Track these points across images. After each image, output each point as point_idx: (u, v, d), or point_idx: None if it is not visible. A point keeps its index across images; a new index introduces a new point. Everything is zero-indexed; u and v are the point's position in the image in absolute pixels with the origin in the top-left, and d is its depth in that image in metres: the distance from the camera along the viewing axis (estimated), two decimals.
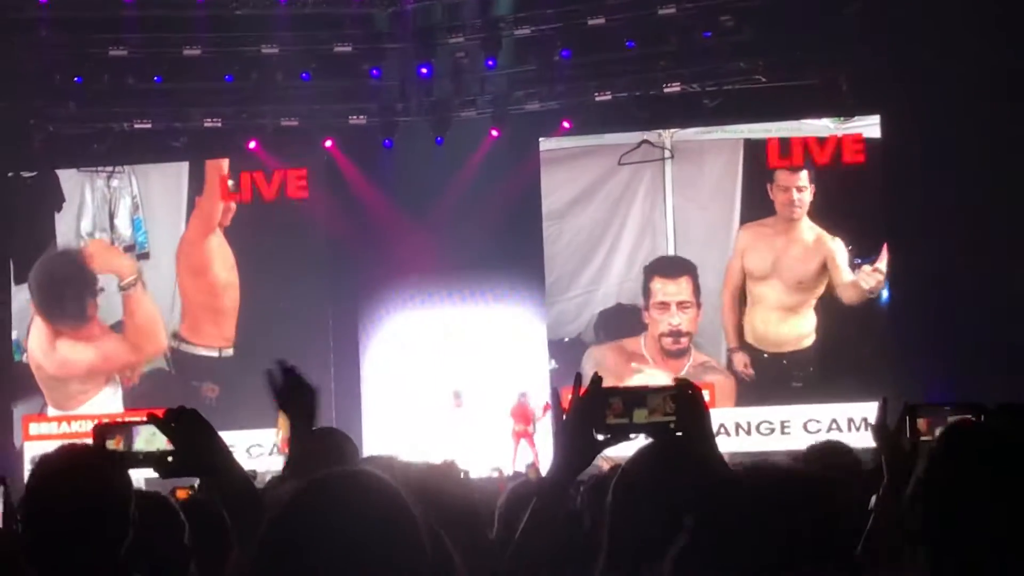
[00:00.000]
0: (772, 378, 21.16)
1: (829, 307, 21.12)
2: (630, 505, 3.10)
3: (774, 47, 20.57)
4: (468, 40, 21.69)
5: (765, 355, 21.30)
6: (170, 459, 3.22)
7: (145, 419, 3.27)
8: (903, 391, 13.59)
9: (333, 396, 21.83)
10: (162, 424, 3.23)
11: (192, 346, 22.57)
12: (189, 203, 22.84)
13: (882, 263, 20.93)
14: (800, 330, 21.24)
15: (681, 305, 21.80)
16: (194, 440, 3.23)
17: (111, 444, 3.28)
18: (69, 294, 22.61)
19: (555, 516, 3.16)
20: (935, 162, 19.72)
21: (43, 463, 3.74)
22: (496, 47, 21.60)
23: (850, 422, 20.33)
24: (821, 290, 21.18)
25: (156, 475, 3.28)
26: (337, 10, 21.85)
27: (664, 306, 21.83)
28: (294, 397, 3.47)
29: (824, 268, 21.13)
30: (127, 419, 3.40)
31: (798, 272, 21.21)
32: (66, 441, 3.64)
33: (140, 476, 3.58)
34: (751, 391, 21.16)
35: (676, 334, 21.76)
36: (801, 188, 21.29)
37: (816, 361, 21.08)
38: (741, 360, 21.33)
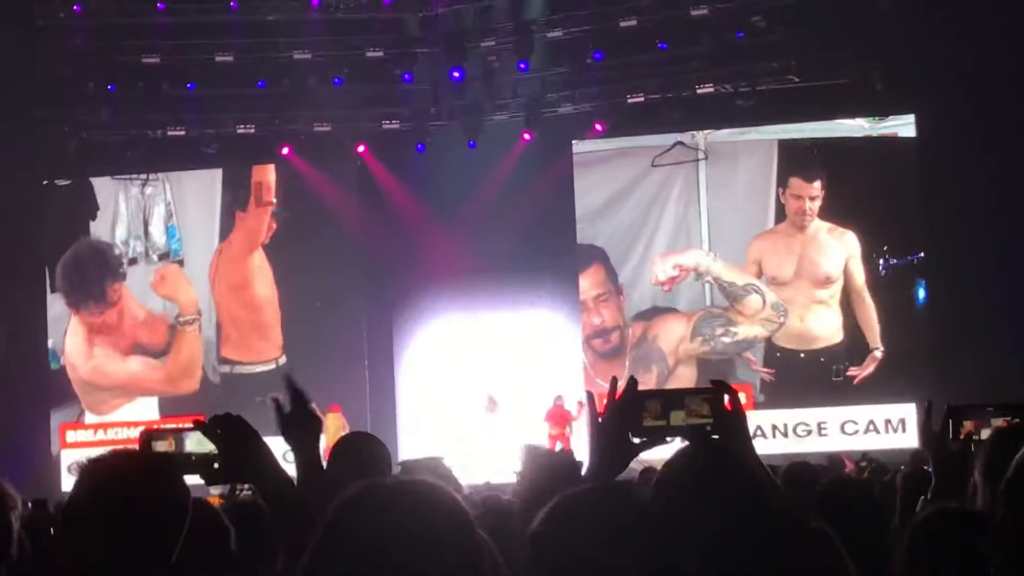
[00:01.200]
0: (812, 377, 20.98)
1: (850, 302, 21.05)
2: (670, 515, 3.04)
3: (807, 47, 20.47)
4: (500, 44, 21.67)
5: (801, 355, 21.15)
6: (216, 465, 3.22)
7: (191, 425, 3.27)
8: (941, 392, 13.50)
9: (368, 400, 21.90)
10: (208, 430, 3.23)
11: (245, 365, 22.60)
12: (223, 209, 22.90)
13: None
14: (833, 324, 21.12)
15: (598, 299, 21.85)
16: (240, 446, 3.22)
17: (160, 449, 3.28)
18: (92, 276, 22.70)
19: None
20: (970, 161, 19.59)
21: (95, 468, 3.68)
22: (528, 50, 21.57)
23: (887, 423, 20.21)
24: (842, 283, 21.11)
25: (201, 481, 3.28)
26: (369, 15, 21.86)
27: (584, 307, 21.95)
28: (295, 431, 3.40)
29: (848, 261, 21.06)
30: (174, 426, 3.39)
31: (822, 270, 21.13)
32: (108, 448, 3.59)
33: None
34: (785, 391, 21.01)
35: (602, 332, 21.86)
36: (814, 197, 21.19)
37: (848, 356, 20.94)
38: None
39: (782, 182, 21.32)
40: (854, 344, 20.91)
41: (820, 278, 21.12)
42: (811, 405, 20.79)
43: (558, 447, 19.99)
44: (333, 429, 20.17)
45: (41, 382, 22.42)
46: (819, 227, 21.25)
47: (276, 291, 22.65)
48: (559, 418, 21.08)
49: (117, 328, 22.62)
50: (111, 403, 22.55)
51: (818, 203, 21.21)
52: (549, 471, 4.73)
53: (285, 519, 3.18)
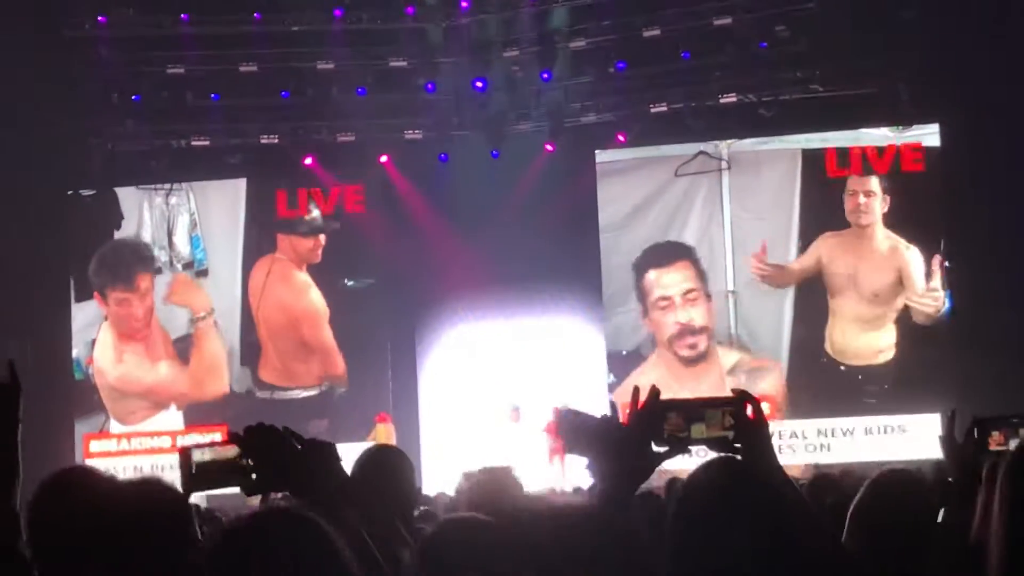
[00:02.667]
0: (844, 390, 20.81)
1: (906, 322, 20.82)
2: (697, 531, 3.02)
3: (830, 56, 20.44)
4: (523, 53, 21.70)
5: (842, 367, 20.97)
6: (253, 476, 3.24)
7: (226, 439, 3.29)
8: (967, 404, 13.44)
9: (391, 410, 21.90)
10: (243, 442, 3.24)
11: (287, 391, 22.66)
12: (247, 219, 22.95)
13: (936, 280, 20.70)
14: (878, 344, 20.90)
15: (687, 296, 21.62)
16: (275, 456, 3.24)
17: (197, 459, 3.30)
18: (125, 260, 22.76)
19: (615, 530, 3.10)
20: (996, 171, 19.54)
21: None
22: (551, 60, 21.59)
23: (908, 433, 20.12)
24: (901, 304, 20.85)
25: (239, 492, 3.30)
26: (392, 25, 21.91)
27: (663, 304, 21.65)
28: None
29: (900, 281, 20.84)
30: (210, 439, 3.41)
31: (874, 283, 20.91)
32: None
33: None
34: (816, 401, 20.91)
35: (689, 331, 21.47)
36: (869, 193, 21.02)
37: (892, 377, 20.72)
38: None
39: (839, 185, 21.16)
40: (900, 368, 20.72)
41: (868, 292, 20.90)
42: (833, 415, 20.71)
43: (555, 462, 20.08)
44: (383, 438, 20.31)
45: (65, 392, 22.49)
46: (882, 239, 21.00)
47: (318, 311, 22.67)
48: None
49: (145, 333, 22.66)
50: (139, 413, 22.56)
51: (876, 202, 20.97)
52: (489, 485, 4.81)
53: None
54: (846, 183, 21.14)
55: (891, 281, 20.88)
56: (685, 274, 21.60)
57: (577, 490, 15.94)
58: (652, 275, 21.67)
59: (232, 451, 3.26)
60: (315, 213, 22.73)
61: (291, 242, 22.79)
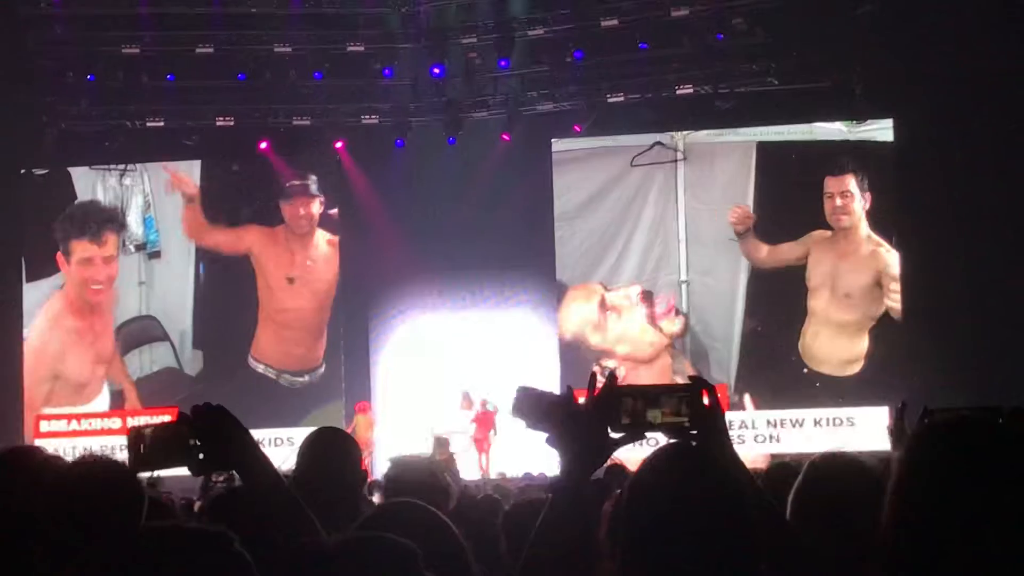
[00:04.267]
0: (796, 386, 20.86)
1: (882, 330, 20.68)
2: (648, 517, 3.03)
3: (787, 50, 20.53)
4: (481, 40, 21.67)
5: (804, 371, 20.99)
6: (201, 456, 3.25)
7: (174, 419, 3.30)
8: (918, 397, 13.54)
9: (344, 397, 21.89)
10: (191, 422, 3.25)
11: (288, 374, 22.64)
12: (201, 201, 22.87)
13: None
14: (849, 353, 20.84)
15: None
16: (223, 436, 3.25)
17: (146, 438, 3.30)
18: (93, 217, 22.64)
19: (570, 515, 3.13)
20: (948, 165, 19.68)
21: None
22: (509, 47, 21.57)
23: (859, 424, 20.26)
24: (878, 311, 20.80)
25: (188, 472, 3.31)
26: (350, 10, 21.82)
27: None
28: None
29: (878, 284, 20.79)
30: (156, 420, 3.42)
31: (849, 284, 20.89)
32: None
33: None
34: (764, 392, 21.06)
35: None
36: (846, 194, 21.02)
37: (854, 391, 20.56)
38: None
39: (819, 187, 21.18)
40: (863, 381, 20.59)
41: (840, 293, 20.87)
42: (786, 406, 20.84)
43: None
44: (363, 428, 20.34)
45: (16, 372, 22.33)
46: (864, 241, 20.97)
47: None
48: (485, 422, 21.10)
49: (100, 298, 22.53)
50: (81, 393, 22.51)
51: (855, 203, 20.96)
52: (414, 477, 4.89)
53: (269, 508, 3.20)
54: (825, 184, 21.20)
55: (867, 283, 20.85)
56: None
57: (527, 475, 15.99)
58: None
59: (180, 431, 3.27)
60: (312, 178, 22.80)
61: (296, 208, 22.74)
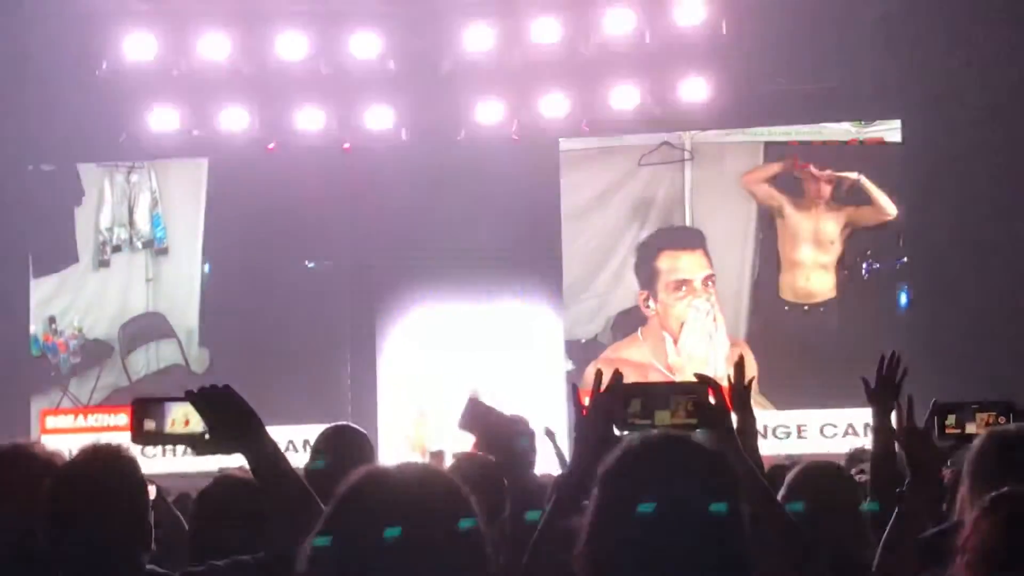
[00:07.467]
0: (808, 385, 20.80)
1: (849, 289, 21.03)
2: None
3: (795, 50, 20.49)
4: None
5: (805, 307, 21.08)
6: (206, 437, 3.23)
7: (181, 396, 3.28)
8: (921, 397, 13.50)
9: (350, 393, 21.88)
10: (198, 402, 3.24)
11: None
12: (208, 198, 22.83)
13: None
14: (826, 284, 21.09)
15: (706, 281, 21.52)
16: (229, 418, 3.23)
17: (147, 423, 3.29)
18: None
19: (573, 512, 3.12)
20: (956, 167, 19.65)
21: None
22: (517, 44, 21.47)
23: (867, 427, 20.19)
24: (840, 248, 21.05)
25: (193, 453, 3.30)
26: (363, 3, 21.70)
27: (684, 288, 21.54)
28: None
29: (846, 225, 21.03)
30: (163, 397, 3.36)
31: (827, 231, 21.08)
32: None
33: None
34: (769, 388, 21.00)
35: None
36: (830, 180, 21.19)
37: (836, 324, 20.86)
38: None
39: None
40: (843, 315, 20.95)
41: (824, 241, 21.12)
42: (792, 407, 20.79)
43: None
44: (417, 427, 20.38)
45: (22, 368, 22.36)
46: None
47: None
48: None
49: None
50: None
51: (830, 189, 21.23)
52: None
53: (274, 491, 3.19)
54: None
55: (840, 224, 21.05)
56: (703, 260, 21.64)
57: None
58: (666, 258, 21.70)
59: (186, 410, 3.25)
60: None
61: None
